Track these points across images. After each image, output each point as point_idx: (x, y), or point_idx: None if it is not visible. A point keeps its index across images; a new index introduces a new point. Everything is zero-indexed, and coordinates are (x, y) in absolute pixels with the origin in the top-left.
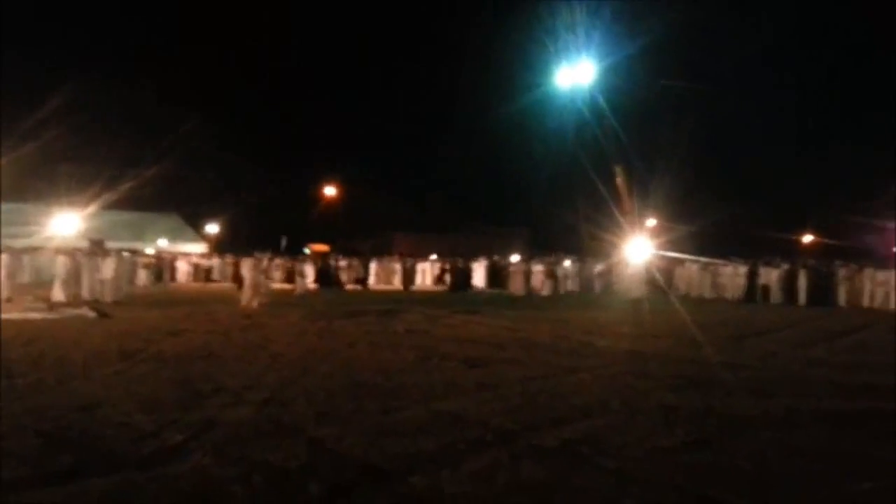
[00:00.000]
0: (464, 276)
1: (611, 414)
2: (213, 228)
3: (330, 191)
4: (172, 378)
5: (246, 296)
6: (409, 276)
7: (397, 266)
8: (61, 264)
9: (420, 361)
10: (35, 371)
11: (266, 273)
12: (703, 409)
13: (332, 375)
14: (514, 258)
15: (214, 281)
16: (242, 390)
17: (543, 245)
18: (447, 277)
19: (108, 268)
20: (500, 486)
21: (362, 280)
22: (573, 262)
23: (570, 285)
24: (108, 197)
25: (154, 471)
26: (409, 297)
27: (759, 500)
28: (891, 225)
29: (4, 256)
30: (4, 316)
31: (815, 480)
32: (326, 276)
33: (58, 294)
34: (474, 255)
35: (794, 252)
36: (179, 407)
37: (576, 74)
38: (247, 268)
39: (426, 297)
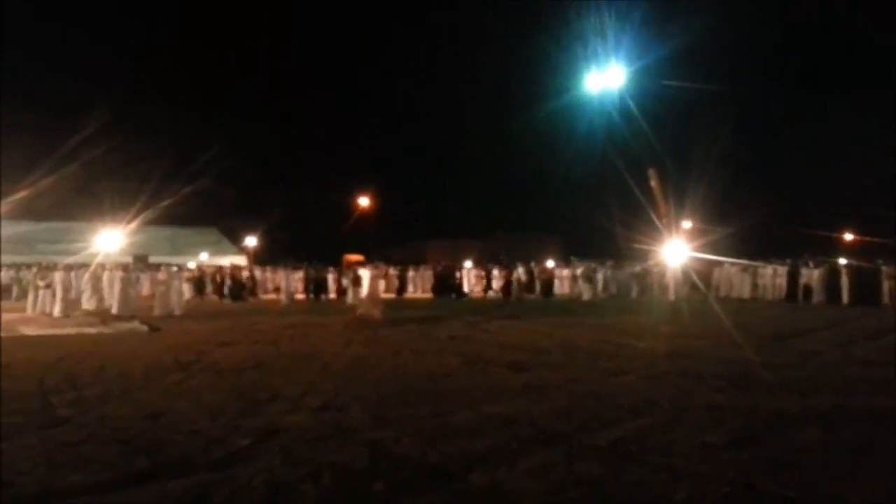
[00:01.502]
0: (449, 281)
1: (658, 413)
2: (251, 241)
3: (364, 201)
4: (229, 387)
5: (365, 305)
6: (402, 284)
7: (427, 273)
8: (115, 280)
9: (465, 366)
10: (99, 383)
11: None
12: (748, 408)
13: (382, 382)
14: (549, 263)
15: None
16: (298, 397)
17: (578, 250)
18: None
19: (157, 282)
20: (555, 483)
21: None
22: (608, 266)
23: (608, 289)
24: (150, 213)
25: (227, 472)
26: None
27: (805, 493)
28: None
29: (59, 274)
30: (63, 331)
31: (860, 474)
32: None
33: (119, 308)
34: (510, 261)
35: (835, 250)
36: (240, 414)
37: (605, 79)
38: (367, 278)
39: (424, 305)
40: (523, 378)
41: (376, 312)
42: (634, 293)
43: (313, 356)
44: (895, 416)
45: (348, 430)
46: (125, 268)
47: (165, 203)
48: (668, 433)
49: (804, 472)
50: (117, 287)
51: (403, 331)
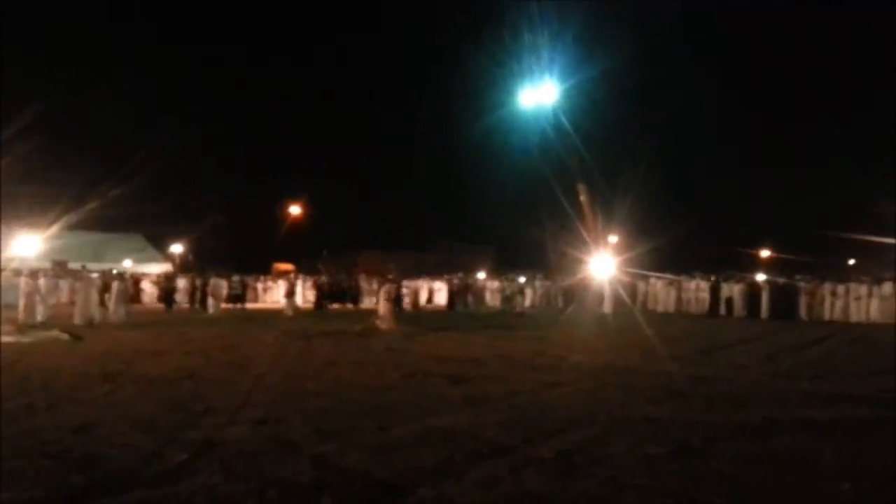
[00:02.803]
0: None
1: (598, 425)
2: (177, 248)
3: (295, 209)
4: (161, 399)
5: (384, 318)
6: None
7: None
8: (26, 286)
9: (405, 379)
10: (22, 395)
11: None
12: (684, 420)
13: (320, 394)
14: (480, 275)
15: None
16: (234, 410)
17: (509, 262)
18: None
19: (78, 289)
20: (504, 496)
21: (238, 297)
22: (538, 278)
23: (537, 302)
24: (71, 217)
25: (166, 489)
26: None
27: (746, 503)
28: (847, 238)
29: None
30: None
31: (798, 483)
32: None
33: (25, 317)
34: (439, 273)
35: (752, 266)
36: (175, 427)
37: (539, 95)
38: (383, 292)
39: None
40: (463, 390)
41: (391, 325)
42: (564, 306)
43: (246, 367)
44: (824, 426)
45: (290, 443)
46: (31, 274)
47: (88, 207)
48: (610, 445)
49: (743, 483)
50: (22, 294)
51: (339, 342)
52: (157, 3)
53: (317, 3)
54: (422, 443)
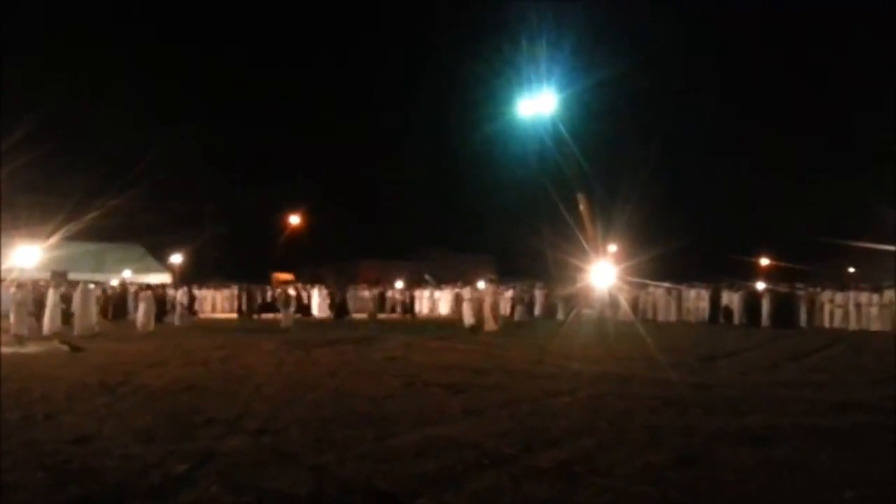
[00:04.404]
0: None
1: (599, 434)
2: (177, 258)
3: (295, 219)
4: (161, 410)
5: (487, 319)
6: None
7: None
8: (15, 296)
9: (404, 388)
10: (20, 406)
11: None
12: (685, 428)
13: (320, 404)
14: (481, 284)
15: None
16: (234, 420)
17: (509, 271)
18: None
19: (75, 300)
20: None
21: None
22: (538, 287)
23: (536, 311)
24: (70, 228)
25: (165, 500)
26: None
27: None
28: (846, 246)
29: None
30: None
31: (799, 491)
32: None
33: (17, 327)
34: (439, 282)
35: (752, 275)
36: (174, 438)
37: (537, 104)
38: (488, 293)
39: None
40: (463, 399)
41: (492, 324)
42: (563, 315)
43: (246, 377)
44: (825, 434)
45: (289, 454)
46: (19, 285)
47: (88, 217)
48: (611, 454)
49: (744, 491)
50: (13, 305)
51: (339, 351)
52: (154, 8)
53: (315, 12)
54: (422, 453)
